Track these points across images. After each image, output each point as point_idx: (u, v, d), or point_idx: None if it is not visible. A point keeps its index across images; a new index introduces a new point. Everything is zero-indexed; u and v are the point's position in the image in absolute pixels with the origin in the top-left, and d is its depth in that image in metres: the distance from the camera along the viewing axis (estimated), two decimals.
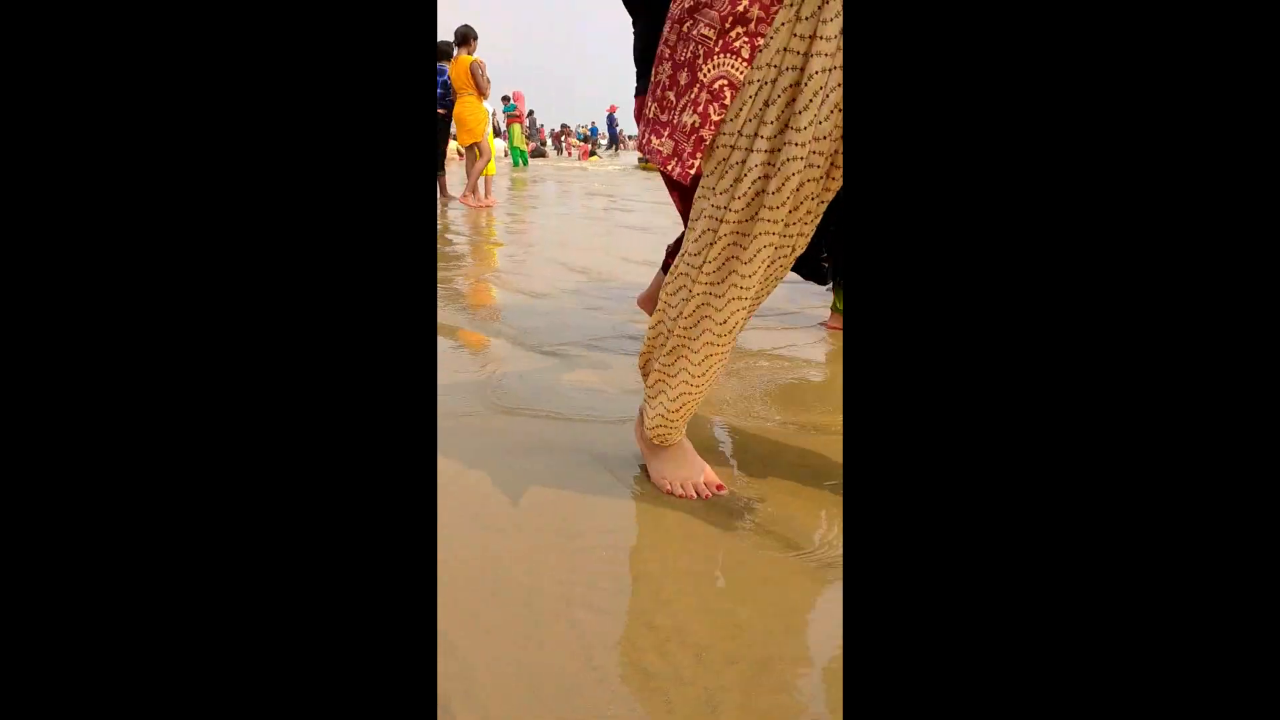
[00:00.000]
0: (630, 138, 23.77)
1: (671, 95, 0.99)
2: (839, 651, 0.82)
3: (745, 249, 0.98)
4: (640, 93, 1.71)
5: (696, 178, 1.02)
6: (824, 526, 1.10)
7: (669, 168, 1.00)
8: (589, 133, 24.73)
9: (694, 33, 0.94)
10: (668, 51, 1.01)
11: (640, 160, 12.70)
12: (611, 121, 21.36)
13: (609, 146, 21.95)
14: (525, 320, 2.36)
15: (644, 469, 1.28)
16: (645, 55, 1.68)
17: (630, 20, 1.74)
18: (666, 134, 1.00)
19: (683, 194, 1.69)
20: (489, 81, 5.99)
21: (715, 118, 0.95)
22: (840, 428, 1.49)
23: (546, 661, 0.80)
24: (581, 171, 12.13)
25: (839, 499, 1.18)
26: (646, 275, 3.07)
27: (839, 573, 0.97)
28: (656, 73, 1.04)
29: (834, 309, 2.28)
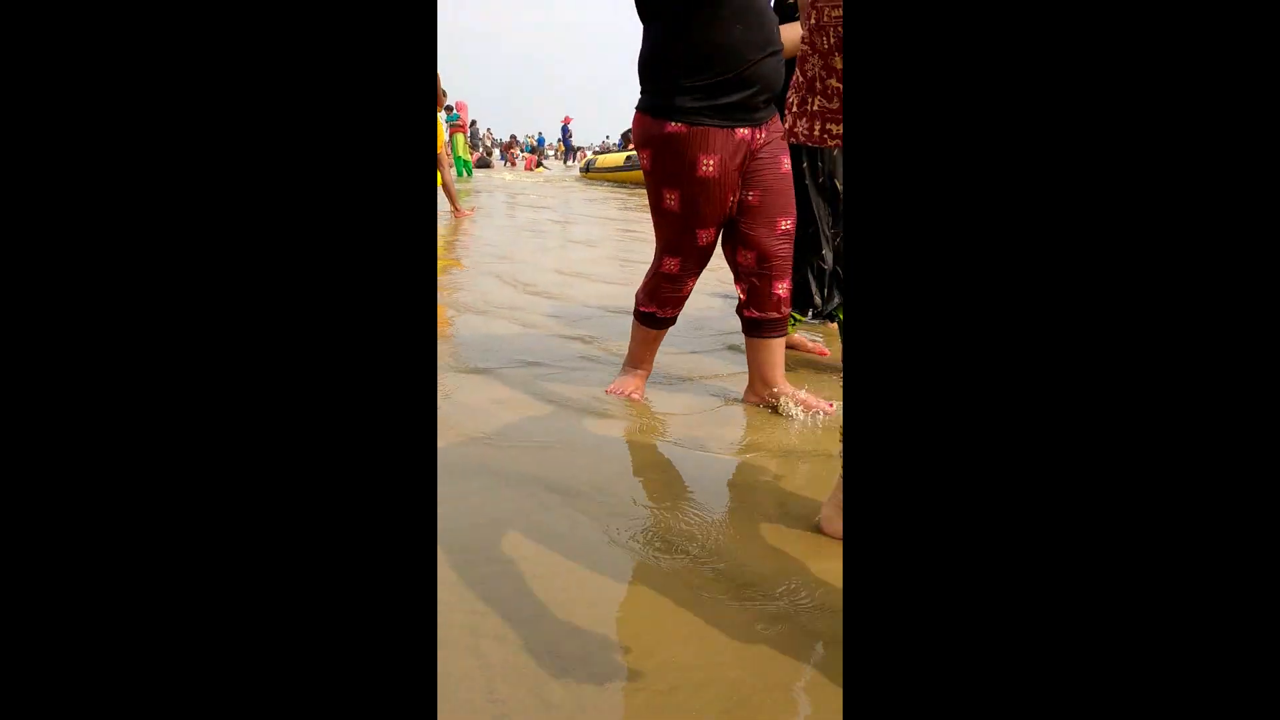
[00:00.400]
0: (578, 148, 23.84)
1: (834, 81, 0.94)
2: (746, 674, 0.83)
3: None
4: (638, 109, 1.62)
5: None
6: (741, 549, 1.11)
7: None
8: (536, 143, 24.69)
9: (826, 19, 0.89)
10: (809, 48, 0.97)
11: (581, 170, 12.70)
12: (566, 133, 21.58)
13: (566, 157, 22.06)
14: (460, 339, 2.33)
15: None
16: (654, 62, 1.58)
17: (643, 28, 1.62)
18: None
19: (661, 218, 1.66)
20: (444, 94, 5.96)
21: None
22: (775, 449, 1.51)
23: (445, 695, 0.79)
24: (527, 182, 12.09)
25: (757, 523, 1.19)
26: (585, 290, 3.07)
27: (754, 593, 0.98)
28: (803, 71, 1.00)
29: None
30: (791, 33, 1.75)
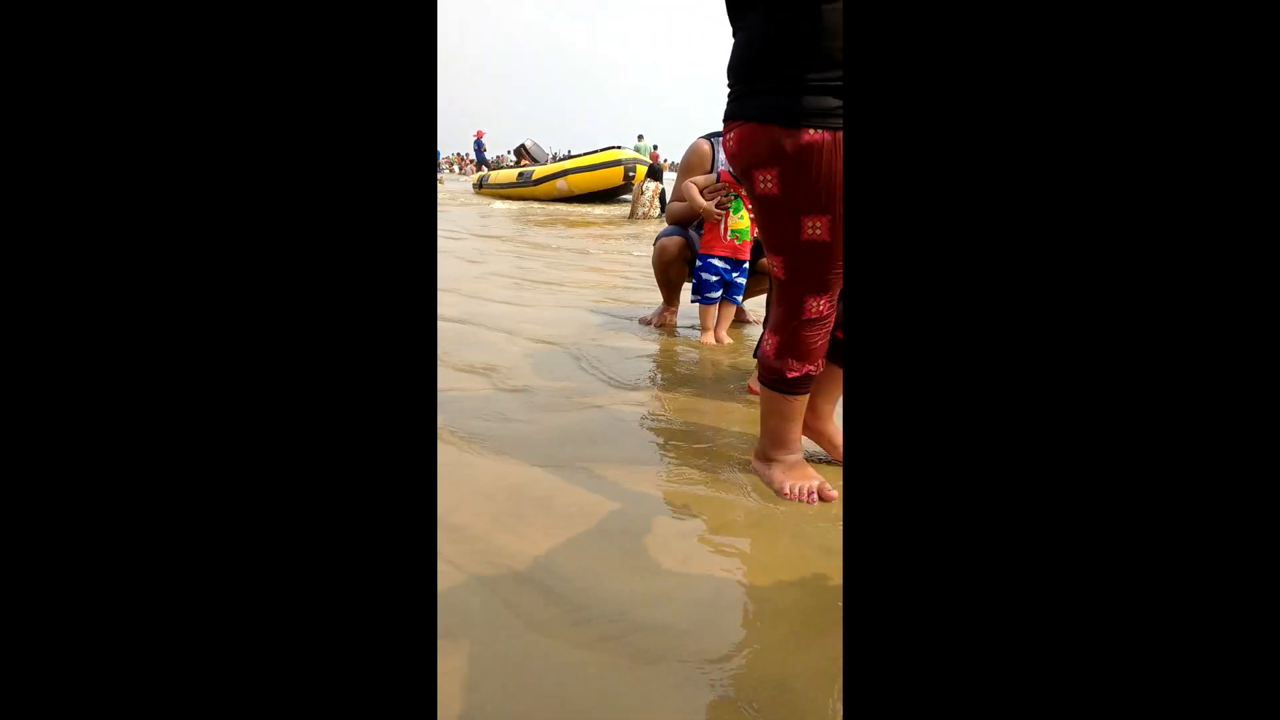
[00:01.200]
0: (488, 160, 23.78)
1: None
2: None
3: None
4: (746, 117, 1.20)
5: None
6: (582, 576, 1.05)
7: None
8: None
9: None
10: None
11: (475, 187, 12.52)
12: (479, 146, 21.75)
13: (477, 169, 22.11)
14: None
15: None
16: (770, 51, 1.15)
17: (731, 28, 1.26)
18: None
19: (806, 253, 1.25)
20: None
21: None
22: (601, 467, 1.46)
23: None
24: None
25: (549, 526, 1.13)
26: (475, 309, 2.95)
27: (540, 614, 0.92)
28: None
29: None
30: None
